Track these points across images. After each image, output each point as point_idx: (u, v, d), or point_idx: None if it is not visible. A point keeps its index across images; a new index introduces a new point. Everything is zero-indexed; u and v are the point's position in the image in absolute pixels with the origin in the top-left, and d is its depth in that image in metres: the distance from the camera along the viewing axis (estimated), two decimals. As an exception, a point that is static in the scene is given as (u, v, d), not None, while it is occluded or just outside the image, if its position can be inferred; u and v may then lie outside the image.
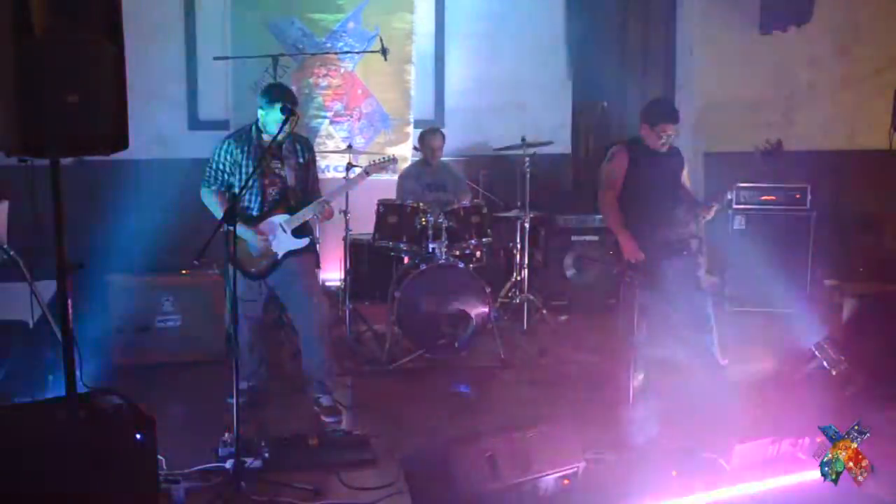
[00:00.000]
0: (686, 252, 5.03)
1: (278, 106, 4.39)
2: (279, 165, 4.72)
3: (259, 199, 4.71)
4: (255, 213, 4.72)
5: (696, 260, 5.08)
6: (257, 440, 4.12)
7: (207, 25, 6.90)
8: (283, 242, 4.72)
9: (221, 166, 4.69)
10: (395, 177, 6.45)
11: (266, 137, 4.65)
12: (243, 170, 4.64)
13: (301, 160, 4.79)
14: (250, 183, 4.61)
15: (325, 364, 4.83)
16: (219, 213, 4.59)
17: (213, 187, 4.71)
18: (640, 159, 5.02)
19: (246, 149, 4.66)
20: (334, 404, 4.81)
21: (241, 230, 4.58)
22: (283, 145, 4.71)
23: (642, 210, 4.97)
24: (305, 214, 4.72)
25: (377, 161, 5.14)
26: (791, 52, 7.59)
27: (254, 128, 4.72)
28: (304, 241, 4.77)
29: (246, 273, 4.68)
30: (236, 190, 4.65)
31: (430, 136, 6.58)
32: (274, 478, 3.88)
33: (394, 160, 5.35)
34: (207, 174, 4.72)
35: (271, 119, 4.55)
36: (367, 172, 5.05)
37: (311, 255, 4.85)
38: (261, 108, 4.64)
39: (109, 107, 3.16)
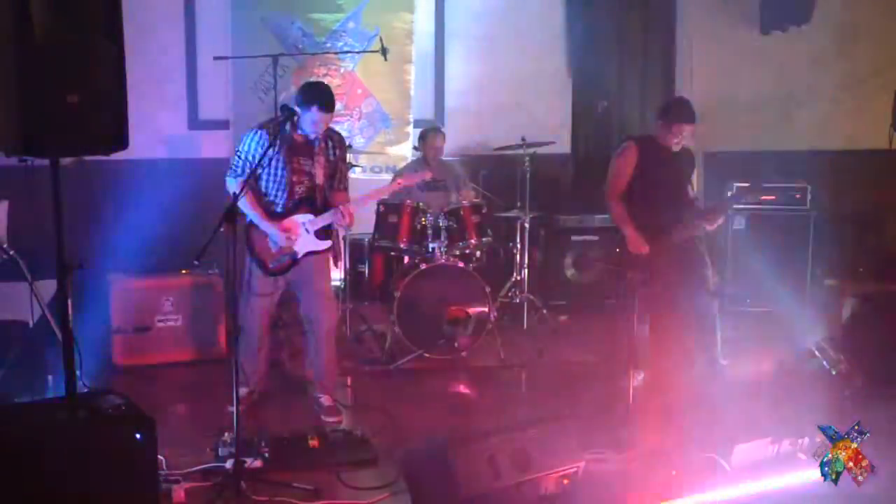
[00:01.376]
0: (694, 252, 5.02)
1: (314, 107, 4.41)
2: (309, 163, 4.65)
3: (285, 195, 4.63)
4: (279, 209, 4.65)
5: (703, 259, 5.08)
6: (257, 440, 4.12)
7: (207, 25, 6.89)
8: (306, 243, 4.67)
9: (252, 157, 4.56)
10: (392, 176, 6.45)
11: (297, 134, 4.58)
12: (273, 163, 4.54)
13: (332, 157, 4.71)
14: (278, 177, 4.58)
15: (329, 365, 4.82)
16: (243, 203, 4.47)
17: (241, 177, 4.56)
18: (649, 156, 5.00)
19: (278, 143, 4.51)
20: (334, 404, 4.80)
21: (265, 225, 4.58)
22: (315, 142, 4.64)
23: (649, 207, 4.95)
24: (326, 219, 4.67)
25: (410, 172, 5.13)
26: (791, 52, 7.59)
27: (288, 124, 4.57)
28: (327, 244, 4.73)
29: (264, 268, 4.66)
30: (263, 183, 4.61)
31: (432, 135, 6.57)
32: (274, 478, 3.88)
33: (426, 174, 5.46)
34: (234, 163, 4.63)
35: (307, 119, 4.48)
36: (396, 181, 5.03)
37: (327, 256, 4.81)
38: (297, 105, 4.52)
39: (109, 107, 3.17)
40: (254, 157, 4.56)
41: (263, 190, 4.65)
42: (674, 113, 5.00)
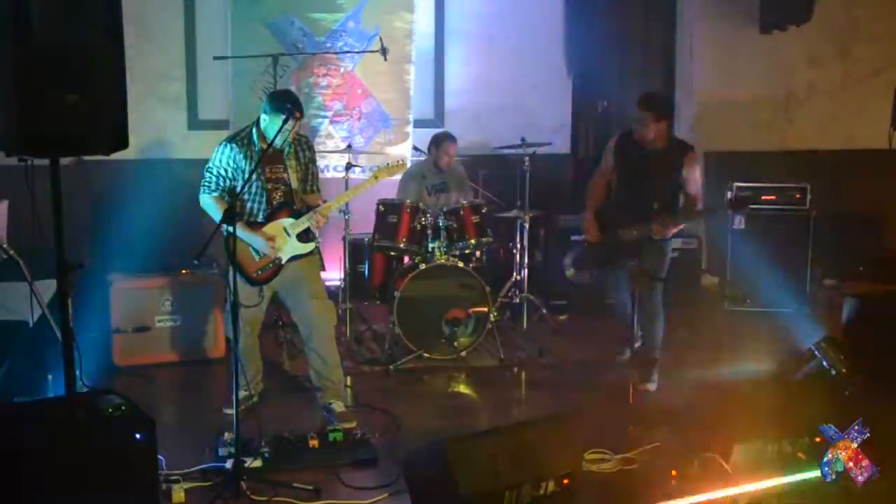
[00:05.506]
0: (636, 249, 5.01)
1: (282, 116, 4.34)
2: (281, 168, 4.64)
3: (264, 205, 4.60)
4: (259, 219, 4.61)
5: (636, 255, 5.03)
6: (257, 440, 4.13)
7: (207, 25, 6.90)
8: (289, 247, 4.64)
9: (223, 171, 4.55)
10: (398, 177, 6.42)
11: (266, 143, 4.53)
12: (246, 175, 4.49)
13: (302, 159, 4.72)
14: (254, 189, 4.55)
15: (335, 369, 4.76)
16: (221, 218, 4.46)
17: (215, 193, 4.57)
18: (621, 150, 5.11)
19: (249, 154, 4.53)
20: (347, 410, 4.70)
21: (246, 234, 4.51)
22: (284, 148, 4.61)
23: (614, 199, 5.17)
24: (304, 222, 4.64)
25: (386, 166, 5.04)
26: (791, 52, 7.60)
27: (255, 131, 4.59)
28: (311, 246, 4.69)
29: (247, 277, 4.58)
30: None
31: (448, 142, 6.48)
32: (274, 478, 3.88)
33: (403, 165, 5.31)
34: (207, 179, 4.58)
35: (274, 128, 4.42)
36: (375, 177, 4.94)
37: (315, 259, 4.77)
38: (265, 113, 4.52)
39: (109, 107, 3.17)
40: (226, 170, 4.55)
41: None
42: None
